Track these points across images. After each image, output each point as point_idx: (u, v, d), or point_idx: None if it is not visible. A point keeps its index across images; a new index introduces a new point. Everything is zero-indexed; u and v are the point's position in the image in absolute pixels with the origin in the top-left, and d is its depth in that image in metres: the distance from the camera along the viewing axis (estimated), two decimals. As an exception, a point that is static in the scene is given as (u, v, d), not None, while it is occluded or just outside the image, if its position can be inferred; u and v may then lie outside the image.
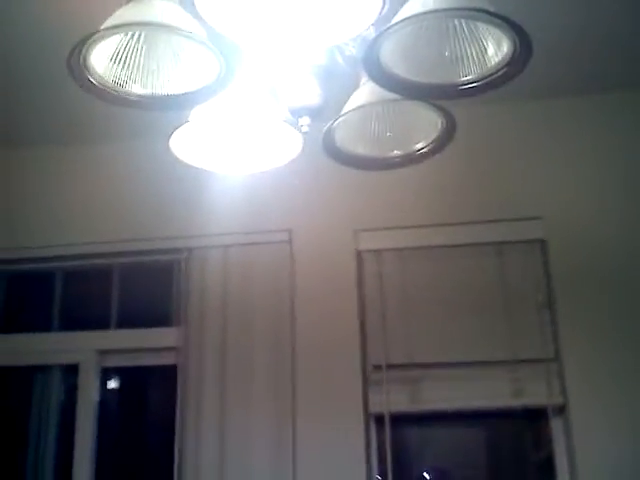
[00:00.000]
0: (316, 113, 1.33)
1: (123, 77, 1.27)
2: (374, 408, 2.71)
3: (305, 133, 1.35)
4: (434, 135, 1.53)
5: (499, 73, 1.30)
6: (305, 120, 1.32)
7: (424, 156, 1.56)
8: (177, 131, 1.41)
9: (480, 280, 2.80)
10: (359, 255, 2.90)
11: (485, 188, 2.89)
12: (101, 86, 1.24)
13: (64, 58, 1.20)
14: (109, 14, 1.18)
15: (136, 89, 1.28)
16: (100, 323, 3.10)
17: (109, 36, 1.17)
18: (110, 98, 1.24)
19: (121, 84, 1.27)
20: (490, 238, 2.84)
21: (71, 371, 3.04)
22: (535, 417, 2.69)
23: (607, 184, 2.81)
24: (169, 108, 1.33)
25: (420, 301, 2.81)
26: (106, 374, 3.08)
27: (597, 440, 2.52)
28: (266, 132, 1.48)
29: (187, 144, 1.51)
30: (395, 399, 2.69)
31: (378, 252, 2.90)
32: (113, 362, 3.07)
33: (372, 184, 2.89)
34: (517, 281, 2.77)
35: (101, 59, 1.25)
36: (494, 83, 1.31)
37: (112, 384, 3.19)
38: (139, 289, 3.19)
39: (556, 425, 2.63)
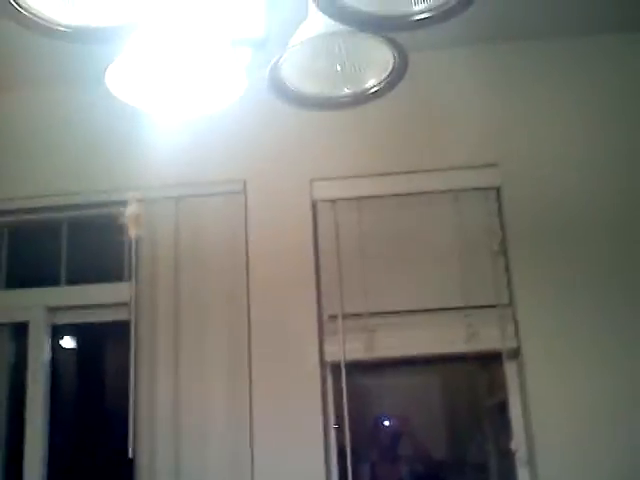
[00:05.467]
0: (259, 45, 1.25)
1: (52, 5, 1.18)
2: (330, 357, 2.70)
3: (246, 67, 1.28)
4: (386, 72, 1.46)
5: (453, 2, 1.24)
6: (247, 52, 1.25)
7: (376, 94, 1.50)
8: (113, 65, 1.32)
9: (436, 228, 2.79)
10: (314, 205, 2.86)
11: (441, 135, 2.86)
12: (26, 14, 1.14)
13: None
14: None
15: (65, 19, 1.19)
16: (49, 279, 3.01)
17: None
18: (36, 27, 1.15)
19: (49, 12, 1.17)
20: (446, 186, 2.81)
21: (21, 330, 2.96)
22: (491, 361, 2.71)
23: (564, 131, 2.80)
24: (101, 41, 1.25)
25: (376, 250, 2.79)
26: (57, 332, 3.01)
27: (549, 382, 2.55)
28: (207, 69, 1.40)
29: (125, 82, 1.42)
30: (351, 347, 2.69)
31: (334, 201, 2.85)
32: (64, 319, 2.99)
33: (327, 133, 2.84)
34: (473, 228, 2.77)
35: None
36: (448, 13, 1.26)
37: (64, 342, 3.12)
38: (89, 244, 3.09)
39: (510, 368, 2.66)
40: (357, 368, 2.74)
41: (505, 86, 2.86)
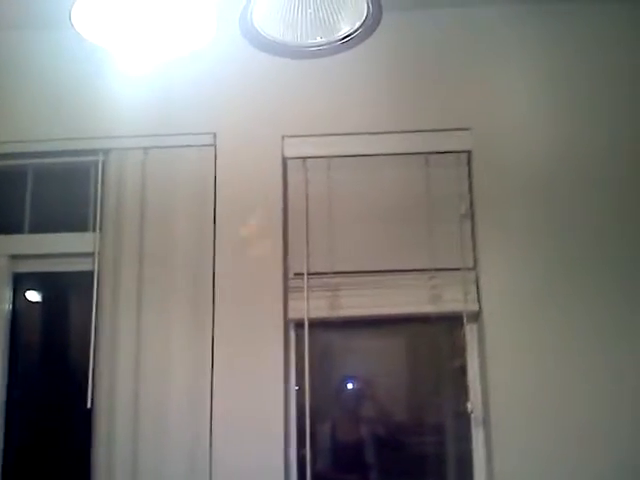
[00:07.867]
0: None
1: None
2: (294, 314, 2.70)
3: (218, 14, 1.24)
4: (360, 20, 1.44)
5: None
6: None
7: (349, 43, 1.48)
8: (79, 2, 1.28)
9: (405, 190, 2.79)
10: (285, 161, 2.83)
11: (415, 97, 2.84)
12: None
13: None
14: None
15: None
16: (13, 227, 2.96)
17: None
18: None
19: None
20: (418, 148, 2.81)
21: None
22: (453, 324, 2.73)
23: (536, 96, 2.79)
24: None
25: (344, 210, 2.79)
26: (20, 281, 2.96)
27: (507, 345, 2.59)
28: (176, 8, 1.36)
29: (92, 22, 1.38)
30: (315, 306, 2.70)
31: (304, 159, 2.83)
32: (26, 267, 2.94)
33: (300, 89, 2.82)
34: (442, 191, 2.77)
35: None
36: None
37: (26, 291, 3.07)
38: (54, 192, 3.04)
39: (470, 331, 2.69)
40: (320, 327, 2.75)
41: (479, 50, 2.85)
